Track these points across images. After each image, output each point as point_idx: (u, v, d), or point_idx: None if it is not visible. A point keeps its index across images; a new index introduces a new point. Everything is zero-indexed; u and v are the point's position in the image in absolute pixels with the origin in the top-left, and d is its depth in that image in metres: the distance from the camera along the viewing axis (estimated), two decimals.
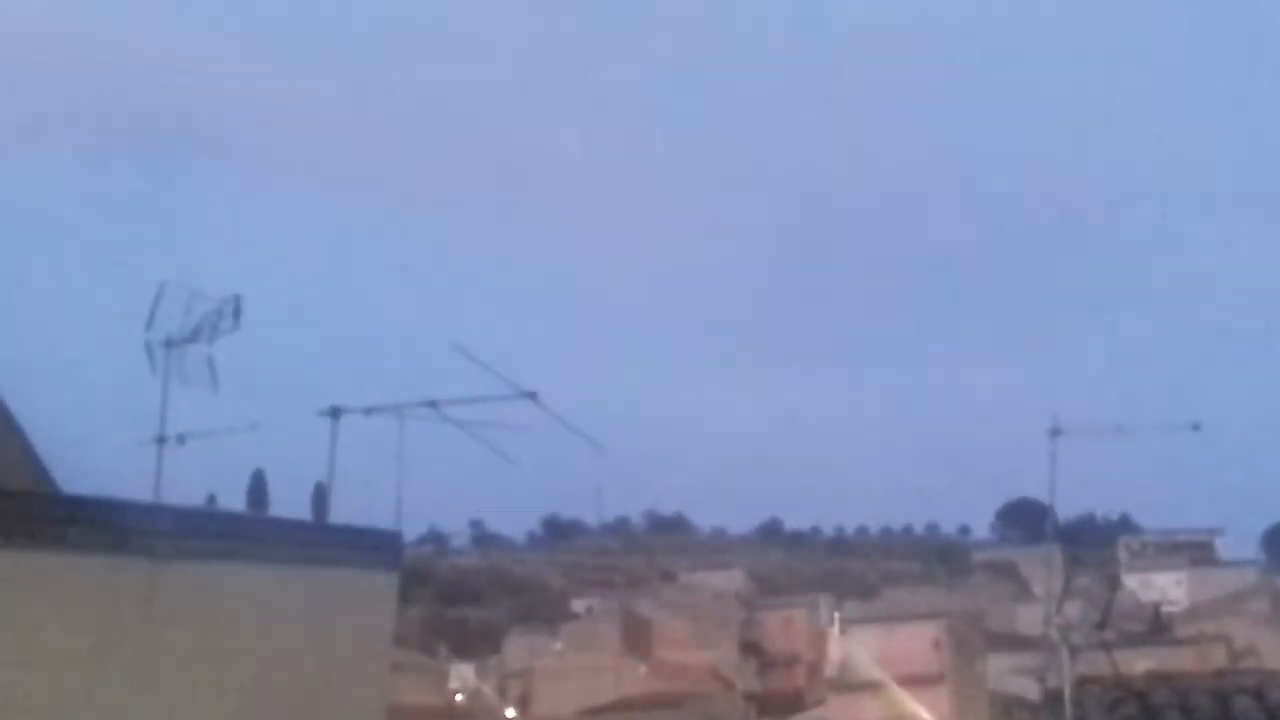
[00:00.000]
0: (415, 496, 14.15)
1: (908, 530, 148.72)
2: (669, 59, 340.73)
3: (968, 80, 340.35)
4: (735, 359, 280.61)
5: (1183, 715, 13.11)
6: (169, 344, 11.52)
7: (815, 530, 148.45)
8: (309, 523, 11.57)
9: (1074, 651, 16.29)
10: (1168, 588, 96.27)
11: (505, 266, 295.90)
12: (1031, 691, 39.88)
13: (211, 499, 13.32)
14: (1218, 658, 60.24)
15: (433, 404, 12.02)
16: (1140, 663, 28.12)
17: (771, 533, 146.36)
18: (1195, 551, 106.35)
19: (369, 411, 12.22)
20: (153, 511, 9.28)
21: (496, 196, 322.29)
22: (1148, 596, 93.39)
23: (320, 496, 12.43)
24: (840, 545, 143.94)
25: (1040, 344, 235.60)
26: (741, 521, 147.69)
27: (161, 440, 11.49)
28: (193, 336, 11.60)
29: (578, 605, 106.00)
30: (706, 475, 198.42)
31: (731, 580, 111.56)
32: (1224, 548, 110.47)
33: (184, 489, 11.44)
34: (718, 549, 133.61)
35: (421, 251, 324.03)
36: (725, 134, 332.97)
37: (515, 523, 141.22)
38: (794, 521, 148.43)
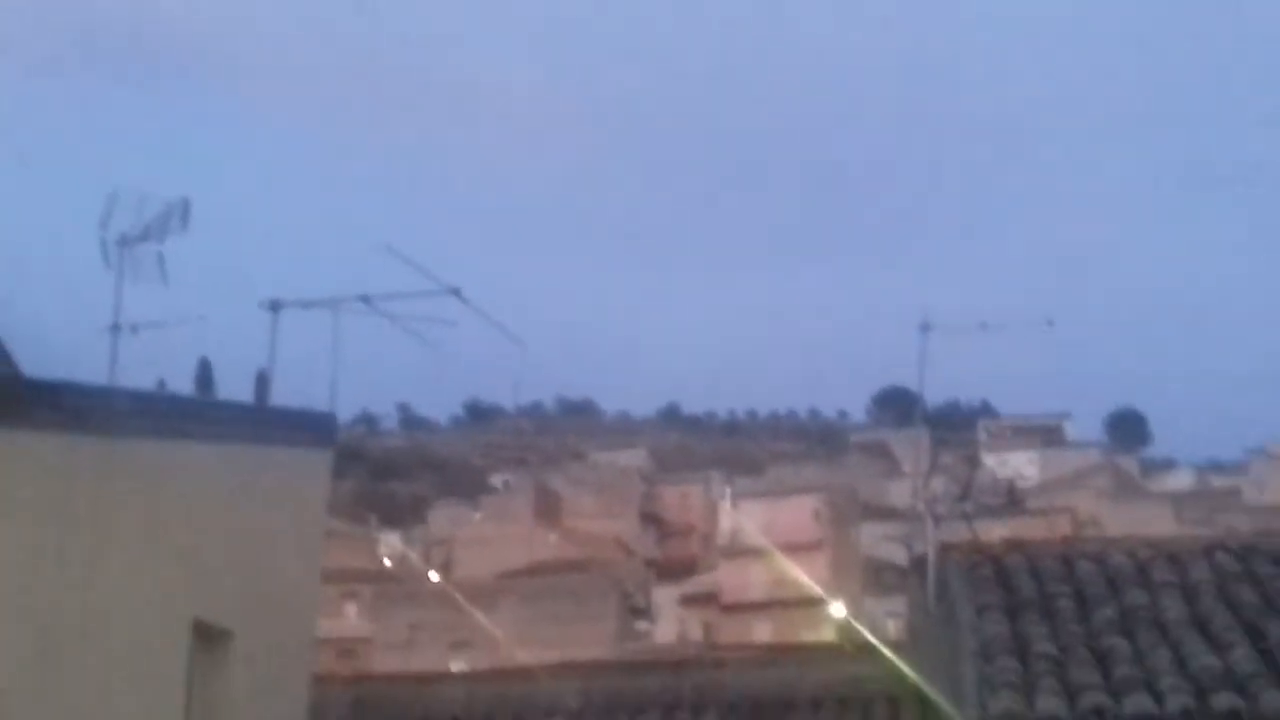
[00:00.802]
0: (348, 382, 14.09)
1: (792, 414, 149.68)
2: None
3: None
4: (639, 258, 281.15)
5: (1032, 578, 13.31)
6: (122, 243, 11.43)
7: (710, 414, 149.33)
8: (251, 405, 11.55)
9: (938, 521, 16.43)
10: (1021, 466, 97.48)
11: (436, 175, 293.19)
12: (899, 557, 40.47)
13: (162, 384, 13.23)
14: (1064, 527, 61.33)
15: (365, 299, 11.98)
16: (996, 531, 28.42)
17: (671, 416, 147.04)
18: (1046, 434, 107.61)
19: (307, 305, 12.16)
20: (108, 394, 9.24)
21: (429, 111, 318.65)
22: (1004, 473, 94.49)
23: (262, 382, 12.42)
24: (732, 427, 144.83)
25: (915, 246, 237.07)
26: (644, 405, 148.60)
27: (116, 329, 11.41)
28: (144, 236, 11.50)
29: (495, 480, 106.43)
30: (612, 363, 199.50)
31: (634, 458, 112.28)
32: (1072, 430, 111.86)
33: (136, 376, 11.37)
34: (622, 430, 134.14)
35: (359, 160, 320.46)
36: (633, 54, 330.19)
37: (439, 406, 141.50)
38: (691, 406, 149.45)
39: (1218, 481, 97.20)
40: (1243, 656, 11.06)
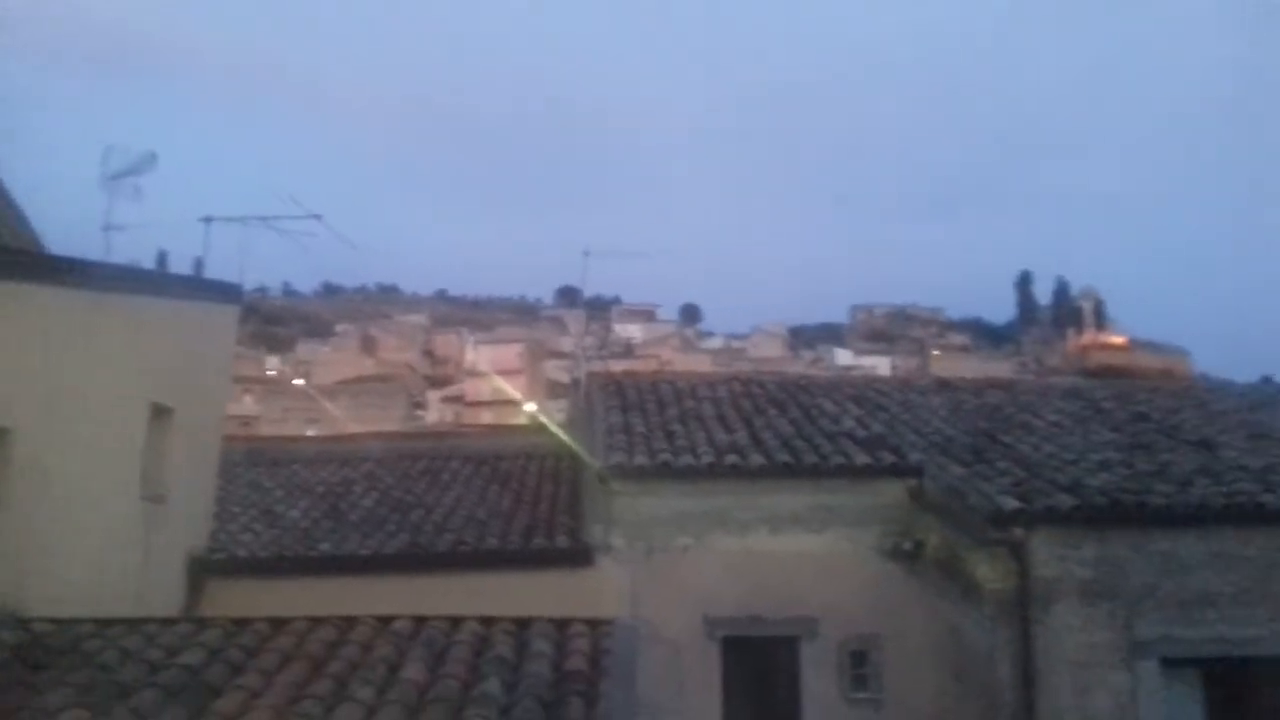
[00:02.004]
0: (251, 264, 13.56)
1: (511, 298, 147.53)
2: None
3: None
4: (435, 196, 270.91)
5: (635, 392, 13.59)
6: (113, 177, 10.77)
7: (464, 295, 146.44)
8: (190, 277, 10.99)
9: (587, 360, 16.67)
10: (633, 332, 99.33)
11: (308, 143, 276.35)
12: (566, 379, 40.87)
13: (135, 263, 12.40)
14: (654, 366, 62.79)
15: (263, 218, 11.55)
16: (618, 367, 29.07)
17: (442, 295, 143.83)
18: (647, 314, 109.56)
19: (228, 220, 11.67)
20: (101, 266, 8.64)
21: (302, 100, 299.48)
22: (624, 335, 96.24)
23: (198, 265, 11.98)
24: (476, 304, 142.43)
25: (589, 199, 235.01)
26: (427, 287, 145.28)
27: (108, 229, 10.74)
28: (127, 173, 10.85)
29: (338, 329, 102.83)
30: (410, 260, 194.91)
31: (420, 319, 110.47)
32: (661, 313, 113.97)
33: (120, 258, 10.72)
34: (414, 302, 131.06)
35: (269, 132, 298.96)
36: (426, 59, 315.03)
37: (307, 282, 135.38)
38: (455, 289, 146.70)
39: (735, 344, 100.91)
40: (742, 435, 11.59)
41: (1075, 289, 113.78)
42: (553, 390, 64.19)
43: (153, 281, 9.67)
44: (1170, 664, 8.79)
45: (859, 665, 10.34)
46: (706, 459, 10.79)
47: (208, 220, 11.60)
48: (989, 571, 8.95)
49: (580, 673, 6.25)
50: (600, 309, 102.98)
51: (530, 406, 52.86)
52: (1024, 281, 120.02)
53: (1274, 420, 12.30)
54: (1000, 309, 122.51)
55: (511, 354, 75.43)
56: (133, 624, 7.11)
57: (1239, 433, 11.63)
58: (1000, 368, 73.93)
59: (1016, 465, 10.30)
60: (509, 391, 61.67)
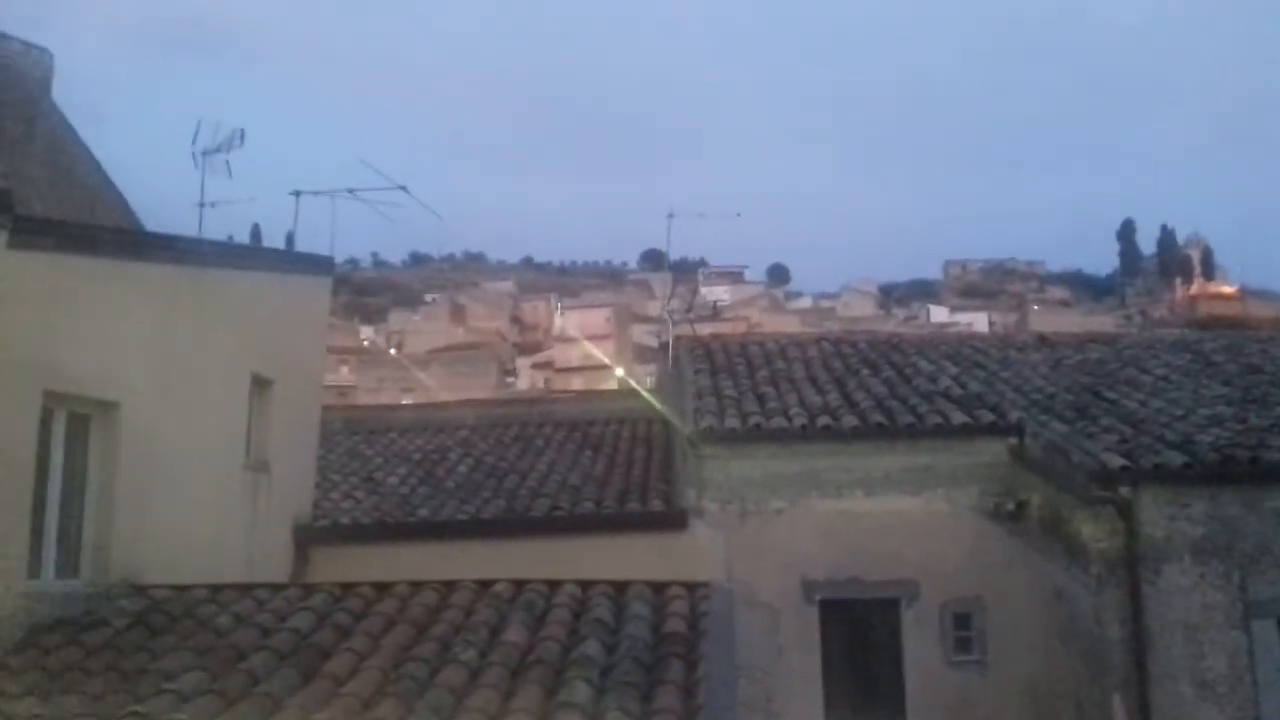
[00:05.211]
0: (341, 237, 13.83)
1: (597, 262, 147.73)
2: None
3: None
4: (534, 172, 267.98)
5: (724, 354, 13.56)
6: (205, 153, 11.07)
7: (550, 261, 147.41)
8: (283, 251, 11.24)
9: (675, 324, 16.62)
10: (720, 294, 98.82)
11: (399, 118, 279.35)
12: (654, 343, 40.85)
13: (230, 238, 12.73)
14: (742, 328, 62.47)
15: (351, 190, 11.74)
16: (706, 329, 28.86)
17: (529, 262, 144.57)
18: (734, 276, 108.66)
19: (316, 194, 11.90)
20: (198, 242, 8.91)
21: (398, 81, 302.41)
22: (711, 297, 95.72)
23: (290, 239, 12.24)
24: (563, 270, 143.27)
25: (673, 164, 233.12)
26: (513, 255, 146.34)
27: (201, 205, 11.05)
28: (218, 149, 11.14)
29: (428, 298, 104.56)
30: (496, 229, 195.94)
31: (507, 286, 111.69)
32: (749, 274, 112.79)
33: (215, 233, 11.03)
34: (501, 269, 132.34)
35: (351, 103, 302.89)
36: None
37: (395, 253, 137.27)
38: (540, 256, 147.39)
39: (824, 303, 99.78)
40: (834, 396, 11.49)
41: (1181, 237, 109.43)
42: (641, 355, 64.33)
43: (249, 256, 9.94)
44: None
45: (962, 628, 10.22)
46: (799, 421, 10.71)
47: (297, 194, 11.83)
48: (1095, 531, 8.75)
49: (679, 635, 6.29)
50: (686, 271, 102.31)
51: (620, 371, 53.12)
52: (1127, 231, 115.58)
53: None
54: (1102, 260, 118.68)
55: (599, 319, 75.91)
56: (244, 589, 7.38)
57: None
58: (1103, 321, 71.65)
59: (1121, 422, 10.02)
60: (598, 357, 62.06)
